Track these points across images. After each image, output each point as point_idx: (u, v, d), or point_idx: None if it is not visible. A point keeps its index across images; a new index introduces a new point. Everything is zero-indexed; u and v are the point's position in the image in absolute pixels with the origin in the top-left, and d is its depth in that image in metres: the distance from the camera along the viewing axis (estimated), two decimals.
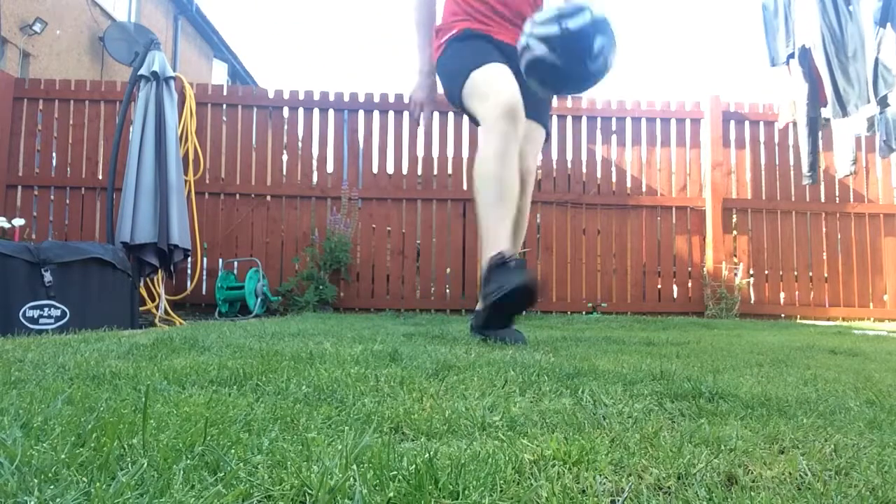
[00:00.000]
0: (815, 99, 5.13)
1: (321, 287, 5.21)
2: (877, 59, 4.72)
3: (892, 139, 5.02)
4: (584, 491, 0.71)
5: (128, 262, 3.99)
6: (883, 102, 4.83)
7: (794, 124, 5.52)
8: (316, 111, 5.72)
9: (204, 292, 5.40)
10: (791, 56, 5.33)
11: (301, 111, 5.70)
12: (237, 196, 5.56)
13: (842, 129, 5.24)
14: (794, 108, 5.41)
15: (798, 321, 5.49)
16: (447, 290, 5.58)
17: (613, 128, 5.86)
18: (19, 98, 5.46)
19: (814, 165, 5.41)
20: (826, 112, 5.09)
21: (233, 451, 0.80)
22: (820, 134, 5.40)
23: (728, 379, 1.52)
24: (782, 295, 5.74)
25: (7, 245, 3.38)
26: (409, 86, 2.95)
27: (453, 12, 2.73)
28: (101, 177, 5.41)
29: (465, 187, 5.69)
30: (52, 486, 0.65)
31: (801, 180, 5.57)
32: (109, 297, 3.74)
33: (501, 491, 0.69)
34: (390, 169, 5.69)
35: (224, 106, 5.67)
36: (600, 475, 0.76)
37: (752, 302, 5.67)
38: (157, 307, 4.83)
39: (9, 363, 1.55)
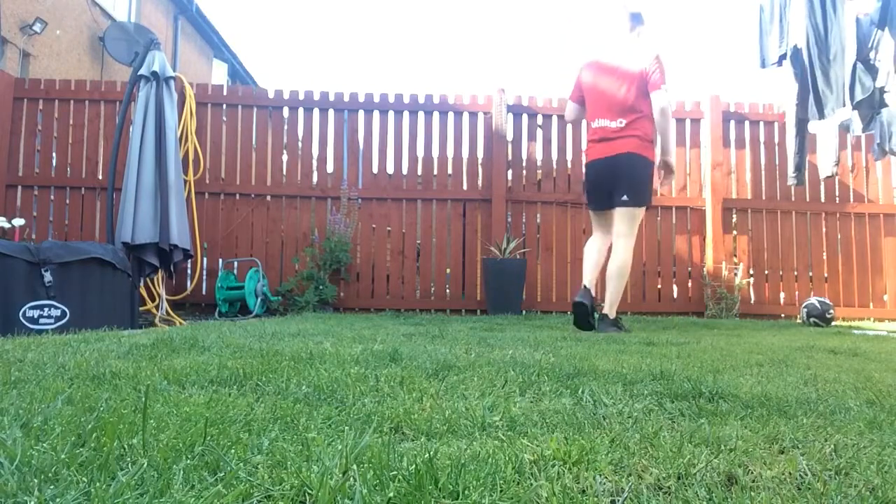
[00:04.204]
0: (805, 100, 5.11)
1: (321, 287, 5.21)
2: (855, 64, 4.69)
3: (885, 141, 5.00)
4: (584, 491, 0.71)
5: (128, 262, 3.99)
6: (880, 104, 4.81)
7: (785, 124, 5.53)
8: (316, 111, 5.72)
9: (204, 292, 5.40)
10: (783, 57, 5.32)
11: (301, 111, 5.70)
12: (237, 196, 5.56)
13: (824, 130, 5.23)
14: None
15: (798, 321, 5.48)
16: (447, 290, 5.57)
17: None
18: (19, 98, 5.46)
19: (800, 166, 5.40)
20: (806, 112, 5.09)
21: (233, 451, 0.80)
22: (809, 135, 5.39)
23: (728, 379, 1.52)
24: (782, 295, 5.74)
25: (7, 245, 3.38)
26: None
27: None
28: (101, 177, 5.40)
29: (465, 187, 5.68)
30: (52, 486, 0.65)
31: (787, 181, 5.56)
32: (109, 297, 3.74)
33: (501, 491, 0.69)
34: (390, 169, 5.69)
35: (224, 106, 5.67)
36: (600, 475, 0.76)
37: (752, 302, 5.67)
38: (157, 307, 4.83)
39: (9, 363, 1.55)
